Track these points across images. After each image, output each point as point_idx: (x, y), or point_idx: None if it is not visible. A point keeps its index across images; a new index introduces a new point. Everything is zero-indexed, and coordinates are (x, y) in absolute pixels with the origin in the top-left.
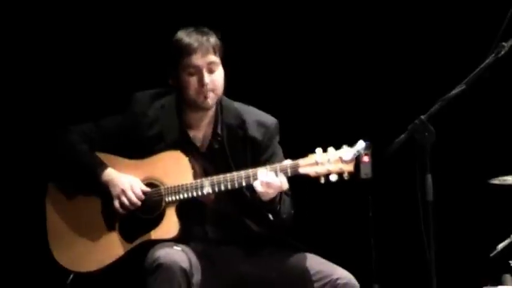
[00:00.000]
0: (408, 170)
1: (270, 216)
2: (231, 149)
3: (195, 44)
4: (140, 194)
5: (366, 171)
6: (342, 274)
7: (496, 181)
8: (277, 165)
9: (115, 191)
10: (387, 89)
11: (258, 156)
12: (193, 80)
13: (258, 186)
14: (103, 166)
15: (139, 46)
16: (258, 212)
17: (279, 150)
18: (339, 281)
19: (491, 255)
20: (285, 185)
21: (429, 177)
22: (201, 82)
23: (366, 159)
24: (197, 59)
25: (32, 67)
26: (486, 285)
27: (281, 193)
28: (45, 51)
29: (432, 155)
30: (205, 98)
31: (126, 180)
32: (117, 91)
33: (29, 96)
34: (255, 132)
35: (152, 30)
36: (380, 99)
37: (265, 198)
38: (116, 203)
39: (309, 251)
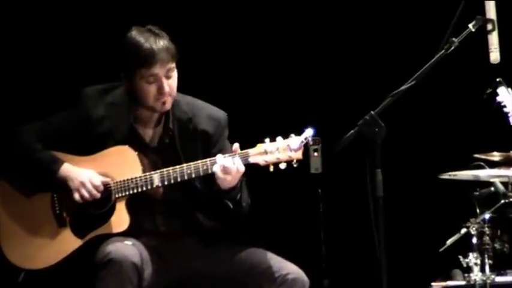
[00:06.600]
0: (359, 165)
1: (230, 204)
2: (181, 143)
3: (156, 55)
4: (99, 185)
5: (316, 166)
6: (291, 269)
7: (445, 176)
8: (228, 155)
9: (74, 185)
10: (337, 84)
11: (209, 149)
12: (151, 88)
13: (217, 171)
14: (59, 162)
15: (85, 40)
16: (209, 205)
17: (228, 144)
18: (288, 276)
19: (441, 250)
20: (241, 168)
21: (379, 172)
22: (160, 90)
23: (315, 154)
24: (156, 69)
25: None
26: (436, 281)
27: (241, 182)
28: None
29: (382, 150)
30: (164, 103)
31: (84, 173)
32: (62, 85)
33: None
34: (206, 125)
35: (101, 23)
36: (330, 94)
37: (225, 186)
38: (76, 196)
39: (259, 246)
